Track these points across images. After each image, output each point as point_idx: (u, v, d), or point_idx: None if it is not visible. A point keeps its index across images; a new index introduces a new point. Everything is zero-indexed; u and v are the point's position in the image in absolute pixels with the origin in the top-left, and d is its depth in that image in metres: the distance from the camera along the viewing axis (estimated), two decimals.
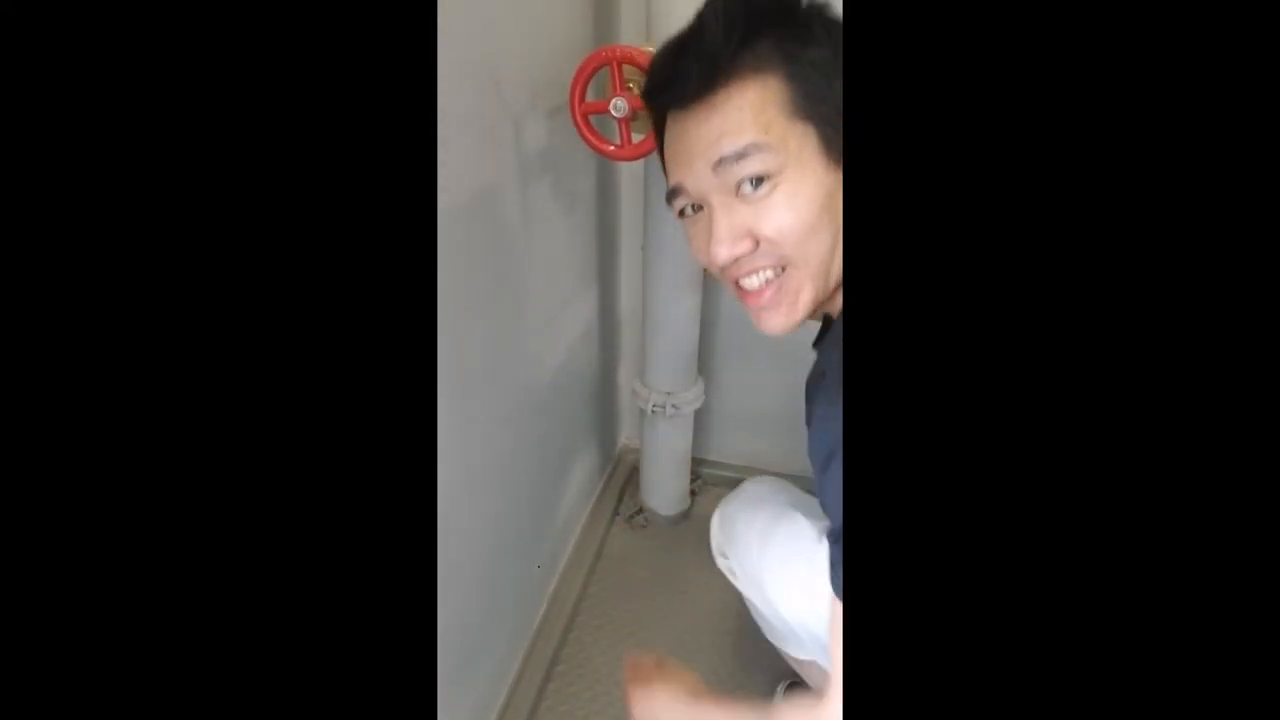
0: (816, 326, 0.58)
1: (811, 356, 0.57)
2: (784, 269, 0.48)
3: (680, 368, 1.02)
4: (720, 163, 0.45)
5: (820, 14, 0.46)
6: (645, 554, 1.12)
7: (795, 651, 0.75)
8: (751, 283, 0.49)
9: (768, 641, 0.79)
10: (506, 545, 0.82)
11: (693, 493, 1.20)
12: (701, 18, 0.46)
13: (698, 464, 1.25)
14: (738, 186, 0.46)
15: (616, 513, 1.20)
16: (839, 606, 0.45)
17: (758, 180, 0.45)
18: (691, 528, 1.17)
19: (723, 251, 0.47)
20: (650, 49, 0.68)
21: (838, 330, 0.51)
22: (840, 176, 0.46)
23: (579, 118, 0.70)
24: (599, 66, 0.67)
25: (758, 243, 0.47)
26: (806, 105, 0.44)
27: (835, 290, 0.50)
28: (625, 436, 1.32)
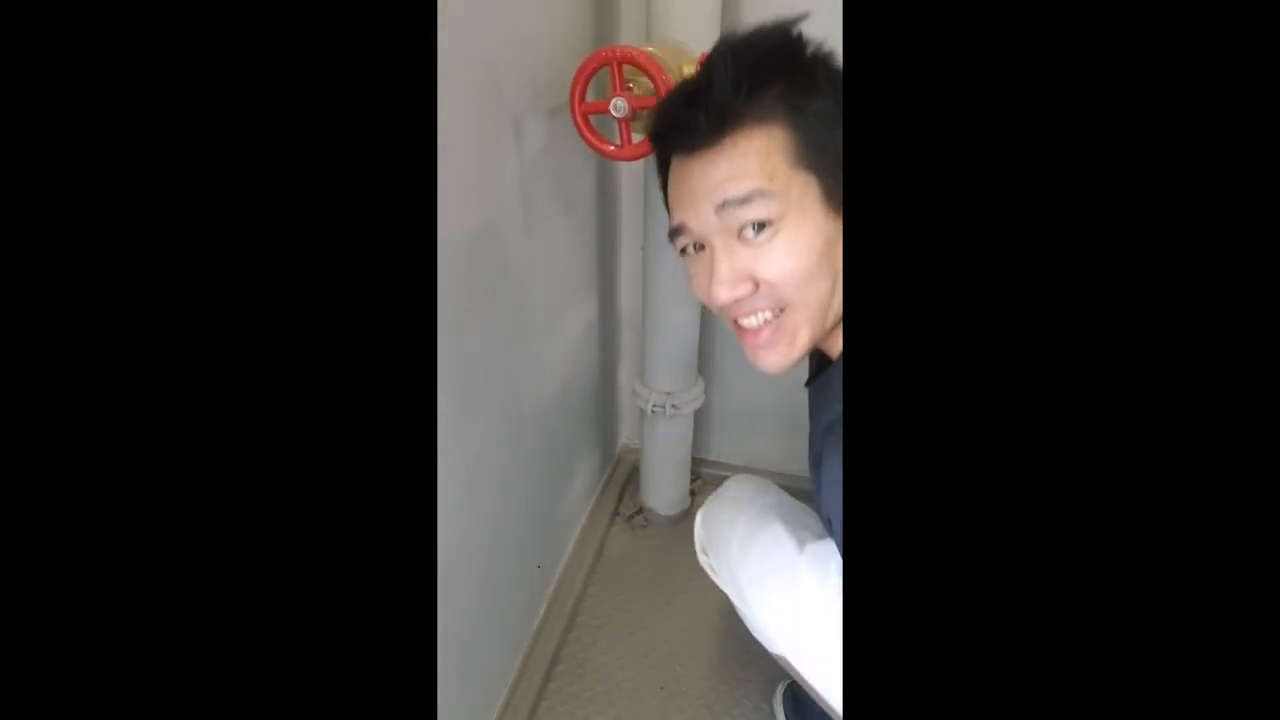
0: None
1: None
2: (782, 310, 0.49)
3: (680, 368, 1.02)
4: (724, 206, 0.46)
5: (825, 64, 0.47)
6: (645, 554, 1.12)
7: (771, 648, 0.76)
8: (750, 322, 0.50)
9: None
10: (506, 545, 0.82)
11: (693, 493, 1.20)
12: (710, 69, 0.46)
13: (698, 464, 1.25)
14: (740, 230, 0.47)
15: (616, 513, 1.20)
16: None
17: (760, 225, 0.46)
18: (691, 528, 1.15)
19: (723, 293, 0.48)
20: (650, 49, 0.68)
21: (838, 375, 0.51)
22: (840, 224, 0.47)
23: (579, 118, 0.70)
24: (599, 66, 0.67)
25: (757, 285, 0.48)
26: (809, 155, 0.45)
27: (833, 329, 0.51)
28: (625, 436, 1.32)
